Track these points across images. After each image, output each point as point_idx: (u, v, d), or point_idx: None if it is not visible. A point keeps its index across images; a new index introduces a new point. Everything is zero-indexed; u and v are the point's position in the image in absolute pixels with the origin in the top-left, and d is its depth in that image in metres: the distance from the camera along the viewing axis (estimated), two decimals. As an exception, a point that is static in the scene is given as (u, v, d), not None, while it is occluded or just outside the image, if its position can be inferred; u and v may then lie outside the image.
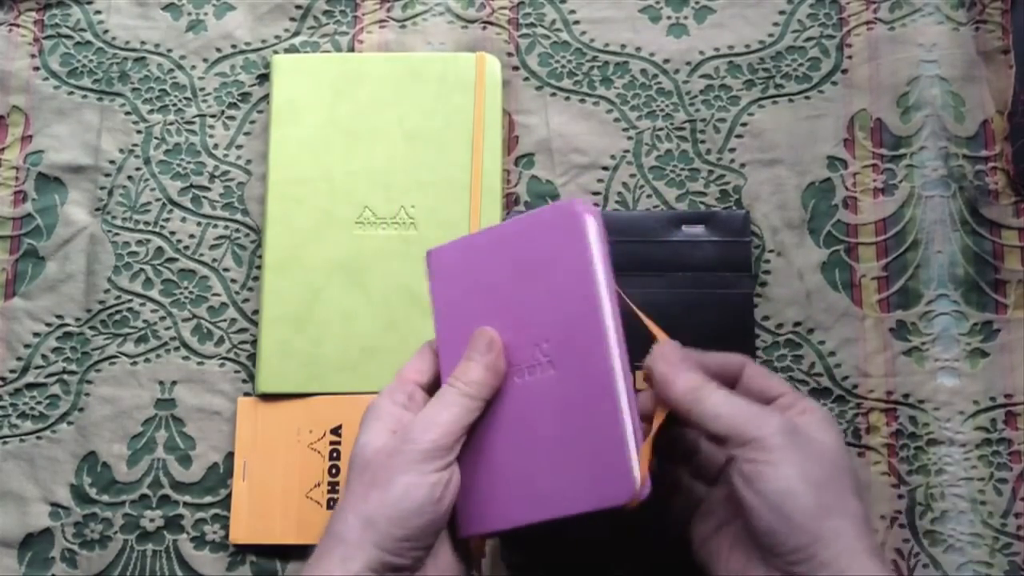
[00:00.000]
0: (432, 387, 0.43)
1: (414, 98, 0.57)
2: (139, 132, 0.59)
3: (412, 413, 0.41)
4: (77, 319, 0.56)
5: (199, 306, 0.56)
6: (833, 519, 0.37)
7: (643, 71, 0.58)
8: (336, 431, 0.53)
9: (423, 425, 0.39)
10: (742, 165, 0.57)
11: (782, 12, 0.59)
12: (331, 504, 0.52)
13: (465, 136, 0.56)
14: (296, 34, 0.60)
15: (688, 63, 0.58)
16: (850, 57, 0.58)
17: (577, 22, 0.59)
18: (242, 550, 0.53)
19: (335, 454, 0.53)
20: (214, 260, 0.57)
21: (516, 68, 0.59)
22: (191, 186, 0.58)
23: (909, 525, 0.52)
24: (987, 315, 0.54)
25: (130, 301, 0.56)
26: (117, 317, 0.56)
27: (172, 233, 0.57)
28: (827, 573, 0.36)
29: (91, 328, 0.56)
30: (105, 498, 0.54)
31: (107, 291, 0.56)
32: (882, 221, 0.56)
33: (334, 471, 0.53)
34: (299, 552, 0.53)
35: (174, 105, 0.59)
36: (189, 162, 0.58)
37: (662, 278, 0.54)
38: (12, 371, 0.56)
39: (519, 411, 0.41)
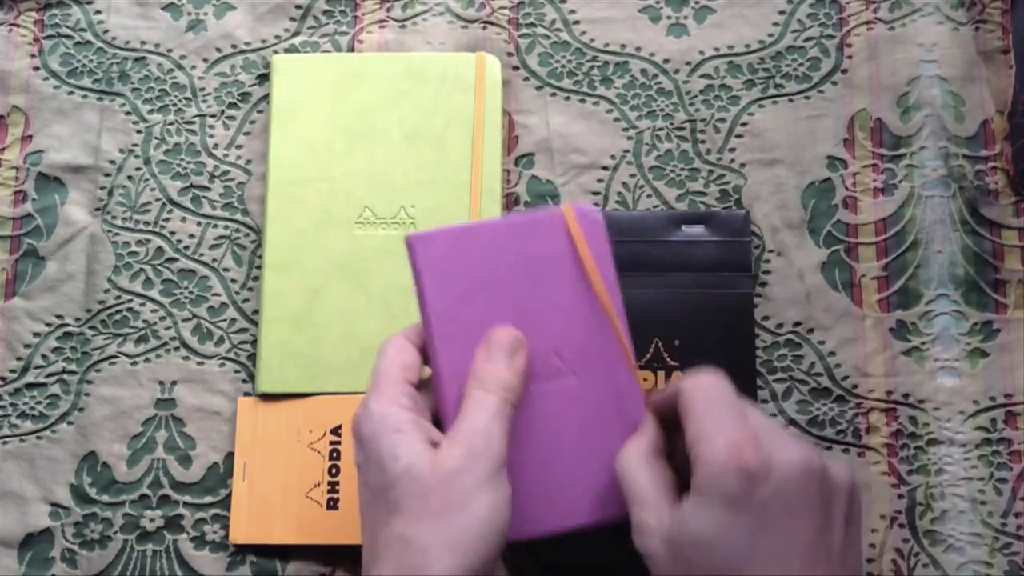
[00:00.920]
0: (421, 384, 0.41)
1: (414, 98, 0.57)
2: (139, 132, 0.59)
3: (427, 419, 0.39)
4: (77, 319, 0.56)
5: (199, 306, 0.56)
6: None
7: (643, 71, 0.58)
8: (336, 431, 0.53)
9: (483, 438, 0.37)
10: (742, 165, 0.57)
11: (782, 12, 0.59)
12: (331, 504, 0.52)
13: (465, 136, 0.56)
14: (296, 34, 0.60)
15: (688, 63, 0.58)
16: (850, 57, 0.58)
17: (577, 22, 0.59)
18: (242, 550, 0.53)
19: (335, 454, 0.53)
20: (214, 260, 0.57)
21: (516, 68, 0.59)
22: (191, 186, 0.58)
23: (909, 525, 0.52)
24: (987, 315, 0.54)
25: (130, 301, 0.56)
26: (117, 317, 0.56)
27: (172, 233, 0.57)
28: None
29: (91, 328, 0.56)
30: (105, 498, 0.54)
31: (107, 291, 0.56)
32: (882, 221, 0.56)
33: (334, 471, 0.53)
34: (299, 552, 0.53)
35: (174, 105, 0.59)
36: (189, 162, 0.58)
37: (662, 278, 0.54)
38: (12, 371, 0.56)
39: (540, 419, 0.40)
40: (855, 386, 0.54)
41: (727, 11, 0.59)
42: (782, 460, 0.35)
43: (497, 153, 0.56)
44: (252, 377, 0.55)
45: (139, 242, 0.57)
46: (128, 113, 0.59)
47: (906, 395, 0.53)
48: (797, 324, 0.54)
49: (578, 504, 0.40)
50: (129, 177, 0.58)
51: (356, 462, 0.39)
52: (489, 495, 0.36)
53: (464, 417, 0.38)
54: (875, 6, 0.58)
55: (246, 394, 0.55)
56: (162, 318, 0.56)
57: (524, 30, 0.59)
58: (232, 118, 0.59)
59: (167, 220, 0.57)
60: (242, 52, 0.60)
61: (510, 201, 0.57)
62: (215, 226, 0.57)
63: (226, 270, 0.57)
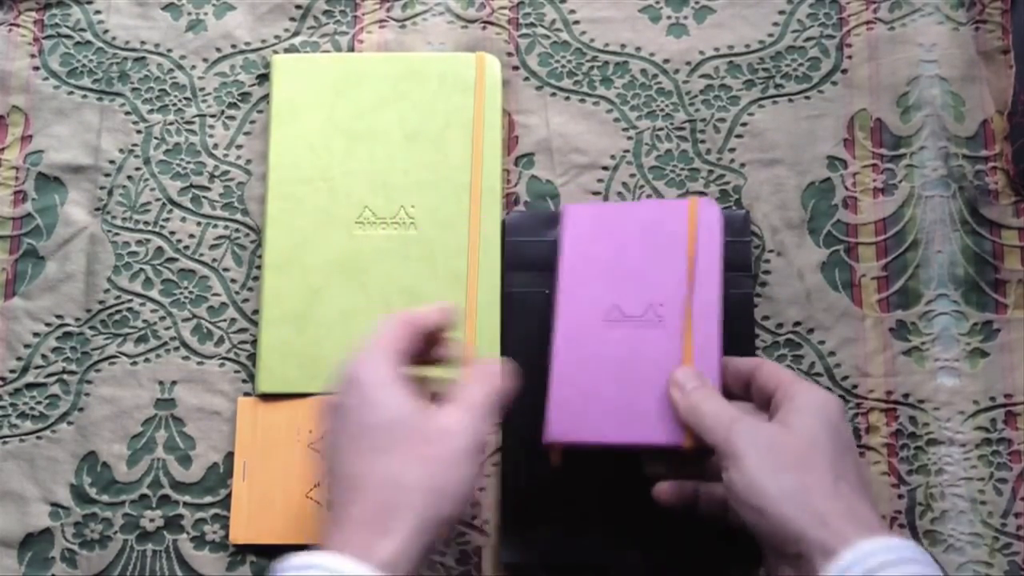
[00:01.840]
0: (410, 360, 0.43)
1: (414, 98, 0.57)
2: (139, 132, 0.59)
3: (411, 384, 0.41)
4: (77, 319, 0.56)
5: (199, 306, 0.56)
6: (815, 503, 0.37)
7: (643, 71, 0.58)
8: (336, 431, 0.53)
9: (479, 415, 0.41)
10: (742, 165, 0.57)
11: (782, 12, 0.59)
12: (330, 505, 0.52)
13: (465, 136, 0.56)
14: (296, 34, 0.60)
15: (688, 63, 0.58)
16: (850, 57, 0.58)
17: (577, 22, 0.59)
18: (242, 550, 0.53)
19: (335, 454, 0.53)
20: (214, 260, 0.57)
21: (516, 68, 0.59)
22: (191, 186, 0.58)
23: (909, 525, 0.52)
24: (987, 315, 0.54)
25: (130, 301, 0.56)
26: (117, 317, 0.56)
27: (172, 233, 0.57)
28: (830, 559, 0.36)
29: (91, 328, 0.56)
30: (105, 498, 0.54)
31: (107, 291, 0.56)
32: (882, 221, 0.56)
33: (334, 471, 0.53)
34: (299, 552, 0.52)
35: (174, 105, 0.59)
36: (189, 162, 0.58)
37: (662, 278, 0.54)
38: (12, 371, 0.56)
39: (625, 353, 0.48)
40: (855, 386, 0.54)
41: (727, 11, 0.59)
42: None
43: (497, 152, 0.56)
44: (252, 377, 0.55)
45: (139, 242, 0.57)
46: (128, 113, 0.59)
47: (906, 395, 0.53)
48: (797, 324, 0.54)
49: (651, 426, 0.46)
50: (129, 177, 0.58)
51: (339, 402, 0.41)
52: (474, 463, 0.39)
53: (468, 390, 0.42)
54: (875, 6, 0.58)
55: (246, 394, 0.55)
56: (162, 318, 0.56)
57: (524, 30, 0.59)
58: (232, 118, 0.59)
59: (167, 220, 0.57)
60: (242, 52, 0.60)
61: (510, 201, 0.57)
62: (215, 226, 0.57)
63: (226, 270, 0.57)
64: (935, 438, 0.53)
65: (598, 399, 0.47)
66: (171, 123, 0.59)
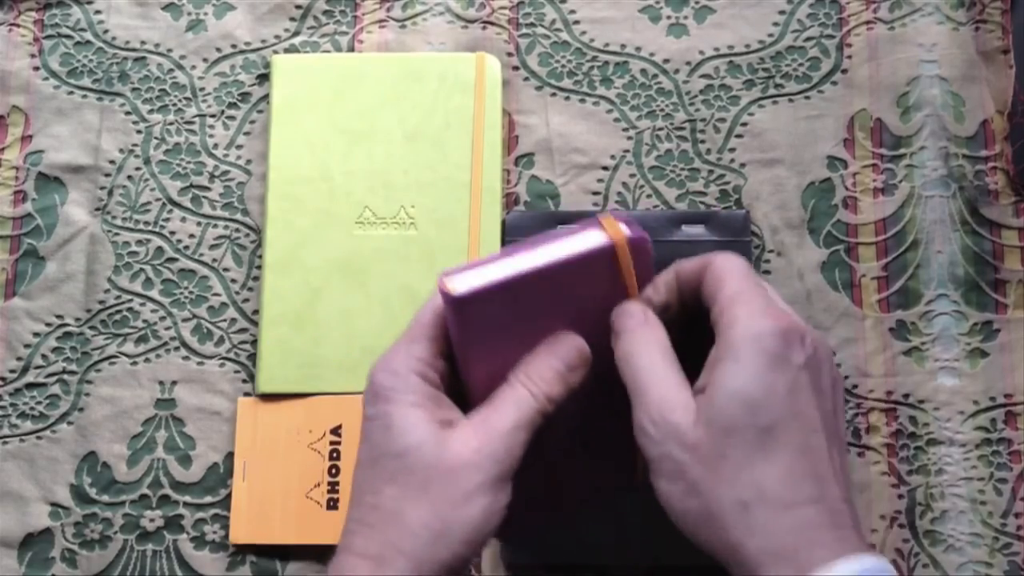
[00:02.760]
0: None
1: (414, 98, 0.57)
2: (139, 132, 0.59)
3: (446, 395, 0.37)
4: (77, 319, 0.56)
5: (199, 306, 0.56)
6: (723, 535, 0.33)
7: (643, 71, 0.58)
8: (336, 431, 0.53)
9: (505, 443, 0.35)
10: (742, 165, 0.57)
11: (782, 12, 0.59)
12: (331, 504, 0.52)
13: (465, 136, 0.56)
14: (296, 34, 0.60)
15: (688, 63, 0.58)
16: (850, 57, 0.58)
17: (577, 22, 0.59)
18: (242, 550, 0.53)
19: (335, 454, 0.53)
20: (214, 260, 0.57)
21: (516, 68, 0.59)
22: (191, 186, 0.58)
23: (909, 525, 0.52)
24: (987, 315, 0.54)
25: (130, 301, 0.56)
26: (117, 317, 0.56)
27: (172, 233, 0.57)
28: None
29: (91, 328, 0.56)
30: (105, 498, 0.54)
31: (107, 291, 0.56)
32: (882, 221, 0.56)
33: (334, 471, 0.53)
34: (299, 552, 0.53)
35: (174, 105, 0.59)
36: (189, 162, 0.58)
37: (662, 278, 0.54)
38: (12, 371, 0.56)
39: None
40: (855, 386, 0.54)
41: (727, 11, 0.59)
42: (811, 330, 0.35)
43: (497, 153, 0.56)
44: (252, 377, 0.55)
45: (139, 242, 0.57)
46: (128, 113, 0.59)
47: (906, 395, 0.53)
48: (797, 324, 0.54)
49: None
50: (129, 177, 0.58)
51: (364, 413, 0.37)
52: (489, 499, 0.35)
53: (495, 408, 0.36)
54: (875, 6, 0.58)
55: (246, 394, 0.55)
56: (162, 318, 0.56)
57: (524, 30, 0.59)
58: (232, 118, 0.59)
59: (167, 220, 0.57)
60: (242, 52, 0.60)
61: (510, 201, 0.57)
62: (215, 226, 0.57)
63: (226, 270, 0.57)
64: (935, 438, 0.53)
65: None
66: (171, 123, 0.59)
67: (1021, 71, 0.55)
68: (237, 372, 0.55)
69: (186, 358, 0.56)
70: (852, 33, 0.58)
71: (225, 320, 0.56)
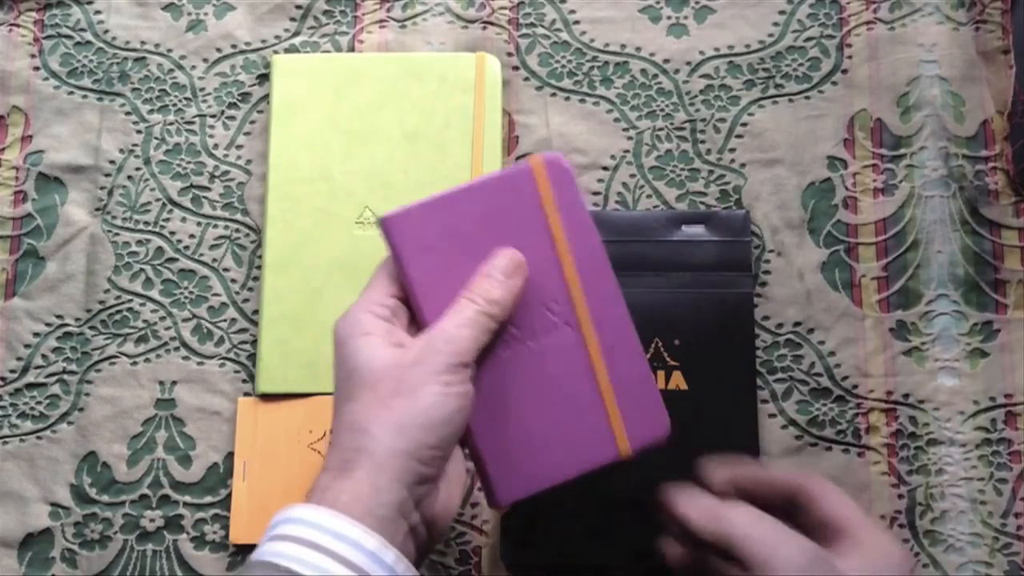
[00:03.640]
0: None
1: (414, 98, 0.57)
2: (139, 132, 0.59)
3: (401, 328, 0.40)
4: (77, 319, 0.56)
5: (199, 306, 0.56)
6: None
7: (643, 71, 0.58)
8: (336, 431, 0.53)
9: (445, 337, 0.38)
10: (742, 165, 0.57)
11: (782, 12, 0.59)
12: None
13: (465, 136, 0.56)
14: (296, 34, 0.60)
15: (688, 63, 0.58)
16: (850, 57, 0.58)
17: (577, 22, 0.59)
18: (242, 550, 0.53)
19: (335, 454, 0.53)
20: (214, 260, 0.57)
21: (516, 68, 0.59)
22: (191, 186, 0.58)
23: (909, 525, 0.52)
24: (987, 315, 0.54)
25: (130, 301, 0.56)
26: (117, 317, 0.56)
27: (172, 233, 0.57)
28: None
29: (91, 328, 0.56)
30: (105, 498, 0.54)
31: (107, 291, 0.56)
32: (882, 221, 0.56)
33: (334, 471, 0.53)
34: (299, 552, 0.53)
35: (174, 105, 0.59)
36: (189, 162, 0.58)
37: (662, 278, 0.54)
38: (12, 371, 0.56)
39: (540, 374, 0.41)
40: (855, 386, 0.54)
41: (727, 11, 0.59)
42: None
43: (497, 153, 0.56)
44: (252, 377, 0.55)
45: (139, 242, 0.57)
46: (128, 113, 0.59)
47: (906, 395, 0.53)
48: (797, 324, 0.54)
49: (577, 452, 0.41)
50: (129, 177, 0.58)
51: (333, 364, 0.40)
52: (439, 386, 0.37)
53: (437, 321, 0.39)
54: (875, 6, 0.58)
55: (246, 394, 0.55)
56: (162, 318, 0.56)
57: (524, 30, 0.59)
58: (232, 118, 0.59)
59: (167, 220, 0.57)
60: (242, 52, 0.60)
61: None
62: (215, 226, 0.57)
63: (226, 270, 0.57)
64: (935, 438, 0.53)
65: (527, 440, 0.41)
66: (171, 123, 0.59)
67: (1021, 71, 0.55)
68: (237, 372, 0.55)
69: (186, 358, 0.56)
70: (852, 33, 0.58)
71: (225, 320, 0.56)
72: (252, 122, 0.59)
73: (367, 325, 0.39)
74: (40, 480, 0.54)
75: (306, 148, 0.56)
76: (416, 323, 0.41)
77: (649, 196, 0.57)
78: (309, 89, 0.57)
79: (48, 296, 0.57)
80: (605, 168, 0.57)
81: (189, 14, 0.61)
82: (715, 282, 0.54)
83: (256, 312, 0.56)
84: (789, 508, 0.42)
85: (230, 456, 0.54)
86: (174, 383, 0.55)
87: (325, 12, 0.60)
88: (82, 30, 0.61)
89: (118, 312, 0.56)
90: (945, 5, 0.58)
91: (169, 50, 0.60)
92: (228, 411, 0.55)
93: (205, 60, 0.60)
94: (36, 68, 0.60)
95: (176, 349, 0.56)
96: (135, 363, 0.56)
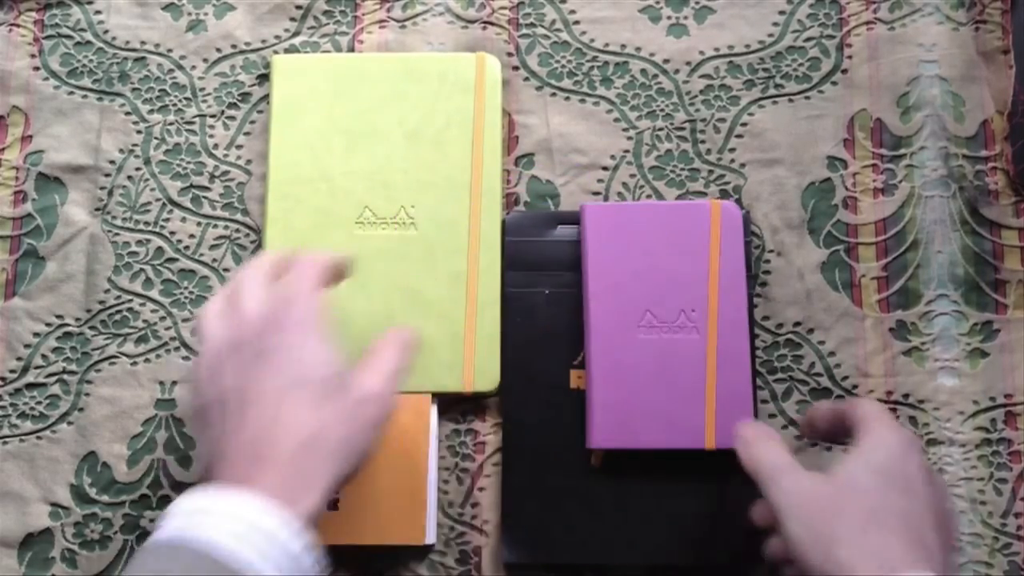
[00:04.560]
0: None
1: (414, 98, 0.57)
2: (139, 132, 0.59)
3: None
4: (77, 319, 0.56)
5: (199, 306, 0.56)
6: (838, 553, 0.38)
7: (643, 71, 0.58)
8: (336, 431, 0.53)
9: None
10: (742, 165, 0.57)
11: (782, 12, 0.59)
12: (331, 504, 0.52)
13: (465, 136, 0.56)
14: (296, 34, 0.60)
15: (688, 63, 0.58)
16: (850, 57, 0.58)
17: (577, 22, 0.59)
18: (242, 550, 0.53)
19: (335, 454, 0.53)
20: (214, 260, 0.57)
21: (516, 68, 0.59)
22: (191, 186, 0.58)
23: (909, 525, 0.52)
24: (987, 315, 0.54)
25: (130, 301, 0.56)
26: (117, 317, 0.56)
27: (172, 233, 0.57)
28: None
29: (91, 328, 0.56)
30: (105, 498, 0.54)
31: (107, 291, 0.56)
32: (882, 221, 0.56)
33: (334, 471, 0.53)
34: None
35: (174, 105, 0.59)
36: (189, 162, 0.58)
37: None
38: (12, 371, 0.56)
39: (658, 358, 0.51)
40: (855, 386, 0.54)
41: (727, 11, 0.59)
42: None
43: (497, 152, 0.56)
44: (252, 377, 0.55)
45: (139, 242, 0.57)
46: (128, 113, 0.59)
47: (906, 395, 0.53)
48: (797, 324, 0.54)
49: (691, 430, 0.50)
50: (129, 177, 0.58)
51: (261, 340, 0.40)
52: (381, 432, 0.42)
53: (388, 356, 0.44)
54: (875, 6, 0.58)
55: (246, 394, 0.55)
56: (162, 318, 0.56)
57: (524, 30, 0.59)
58: (232, 118, 0.59)
59: (167, 220, 0.57)
60: (242, 52, 0.60)
61: (510, 201, 0.57)
62: (215, 226, 0.57)
63: (226, 270, 0.57)
64: (935, 438, 0.53)
65: (637, 405, 0.50)
66: (171, 123, 0.59)
67: (1021, 71, 0.55)
68: (237, 372, 0.55)
69: (186, 358, 0.56)
70: (852, 33, 0.58)
71: (225, 320, 0.56)
72: (252, 122, 0.59)
73: (323, 317, 0.42)
74: (40, 480, 0.54)
75: (306, 148, 0.56)
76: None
77: (649, 196, 0.57)
78: (309, 89, 0.57)
79: (48, 296, 0.57)
80: (605, 168, 0.57)
81: (189, 14, 0.61)
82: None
83: (256, 312, 0.56)
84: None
85: (230, 456, 0.54)
86: (174, 383, 0.55)
87: (325, 12, 0.60)
88: (82, 30, 0.61)
89: (118, 312, 0.56)
90: (945, 5, 0.58)
91: (169, 50, 0.60)
92: (228, 411, 0.54)
93: (205, 60, 0.60)
94: (36, 68, 0.60)
95: (176, 349, 0.56)
96: (135, 363, 0.56)
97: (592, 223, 0.53)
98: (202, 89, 0.59)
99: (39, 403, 0.55)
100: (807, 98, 0.57)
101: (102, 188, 0.58)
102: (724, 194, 0.56)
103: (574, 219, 0.54)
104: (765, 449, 0.43)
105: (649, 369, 0.51)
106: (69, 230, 0.57)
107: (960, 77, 0.57)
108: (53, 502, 0.54)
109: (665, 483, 0.51)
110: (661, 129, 0.58)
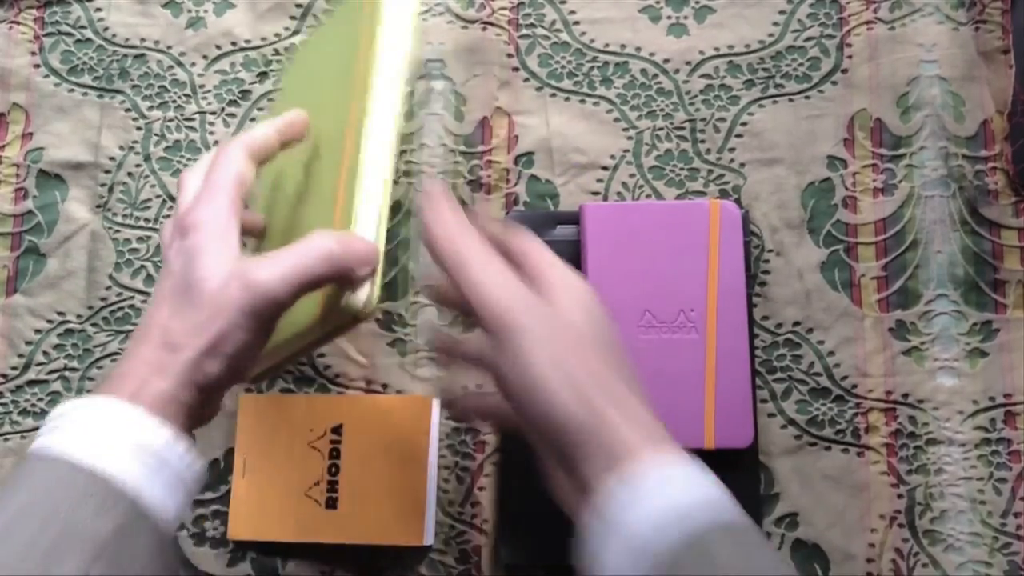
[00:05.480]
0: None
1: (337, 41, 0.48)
2: (139, 129, 0.59)
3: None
4: (78, 316, 0.56)
5: (199, 304, 0.56)
6: (595, 399, 0.34)
7: (643, 71, 0.58)
8: (337, 430, 0.53)
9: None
10: (742, 165, 0.57)
11: (782, 12, 0.59)
12: (330, 503, 0.52)
13: (350, 57, 0.45)
14: (296, 32, 0.60)
15: (688, 63, 0.58)
16: (850, 57, 0.58)
17: (577, 22, 0.59)
18: (242, 546, 0.53)
19: (335, 453, 0.53)
20: (214, 258, 0.57)
21: (516, 69, 0.59)
22: (191, 184, 0.58)
23: (908, 525, 0.52)
24: (986, 315, 0.54)
25: (131, 298, 0.56)
26: (119, 314, 0.56)
27: (172, 231, 0.57)
28: (612, 469, 0.33)
29: (92, 325, 0.56)
30: (104, 495, 0.54)
31: (108, 288, 0.57)
32: (882, 221, 0.56)
33: (334, 470, 0.53)
34: (299, 550, 0.53)
35: (174, 102, 0.59)
36: (189, 159, 0.58)
37: (662, 277, 0.54)
38: (14, 368, 0.56)
39: (664, 359, 0.51)
40: (854, 386, 0.54)
41: (727, 11, 0.59)
42: None
43: (397, 68, 0.43)
44: (252, 375, 0.55)
45: (140, 239, 0.57)
46: (128, 110, 0.59)
47: (905, 395, 0.53)
48: (796, 324, 0.54)
49: (692, 431, 0.50)
50: (129, 174, 0.58)
51: (174, 246, 0.39)
52: (249, 326, 0.37)
53: (289, 254, 0.39)
54: (875, 6, 0.58)
55: (247, 391, 0.55)
56: (162, 316, 0.56)
57: (524, 31, 0.59)
58: (232, 115, 0.59)
59: (167, 217, 0.58)
60: (242, 50, 0.60)
61: (510, 201, 0.57)
62: (215, 224, 0.57)
63: (226, 268, 0.57)
64: (934, 438, 0.53)
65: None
66: (171, 120, 0.59)
67: (1021, 71, 0.55)
68: (237, 370, 0.55)
69: (186, 356, 0.55)
70: (852, 33, 0.58)
71: (225, 318, 0.56)
72: (252, 119, 0.59)
73: (229, 223, 0.39)
74: (40, 477, 0.54)
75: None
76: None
77: (649, 196, 0.57)
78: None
79: (49, 293, 0.57)
80: (605, 168, 0.57)
81: (189, 11, 0.61)
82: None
83: (256, 310, 0.56)
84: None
85: (230, 453, 0.54)
86: (174, 381, 0.55)
87: (325, 11, 0.60)
88: (82, 27, 0.61)
89: (119, 309, 0.56)
90: (945, 5, 0.58)
91: (169, 47, 0.60)
92: (228, 408, 0.55)
93: (205, 57, 0.60)
94: (36, 65, 0.60)
95: (176, 347, 0.56)
96: (135, 360, 0.55)
97: (591, 223, 0.53)
98: (202, 86, 0.59)
99: (41, 400, 0.55)
100: (807, 98, 0.57)
101: (103, 185, 0.58)
102: (724, 194, 0.56)
103: (573, 219, 0.54)
104: (495, 272, 0.38)
105: (648, 369, 0.50)
106: (70, 227, 0.58)
107: (960, 77, 0.57)
108: (52, 499, 0.54)
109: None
110: (661, 129, 0.58)
